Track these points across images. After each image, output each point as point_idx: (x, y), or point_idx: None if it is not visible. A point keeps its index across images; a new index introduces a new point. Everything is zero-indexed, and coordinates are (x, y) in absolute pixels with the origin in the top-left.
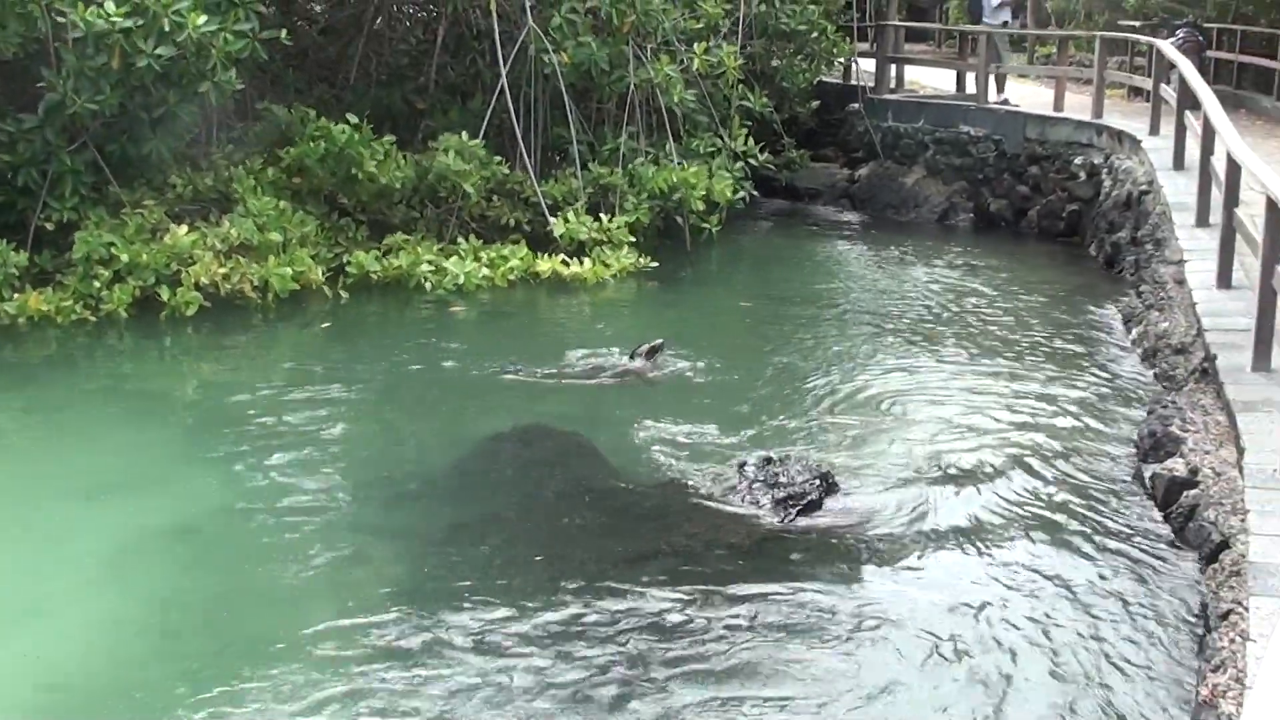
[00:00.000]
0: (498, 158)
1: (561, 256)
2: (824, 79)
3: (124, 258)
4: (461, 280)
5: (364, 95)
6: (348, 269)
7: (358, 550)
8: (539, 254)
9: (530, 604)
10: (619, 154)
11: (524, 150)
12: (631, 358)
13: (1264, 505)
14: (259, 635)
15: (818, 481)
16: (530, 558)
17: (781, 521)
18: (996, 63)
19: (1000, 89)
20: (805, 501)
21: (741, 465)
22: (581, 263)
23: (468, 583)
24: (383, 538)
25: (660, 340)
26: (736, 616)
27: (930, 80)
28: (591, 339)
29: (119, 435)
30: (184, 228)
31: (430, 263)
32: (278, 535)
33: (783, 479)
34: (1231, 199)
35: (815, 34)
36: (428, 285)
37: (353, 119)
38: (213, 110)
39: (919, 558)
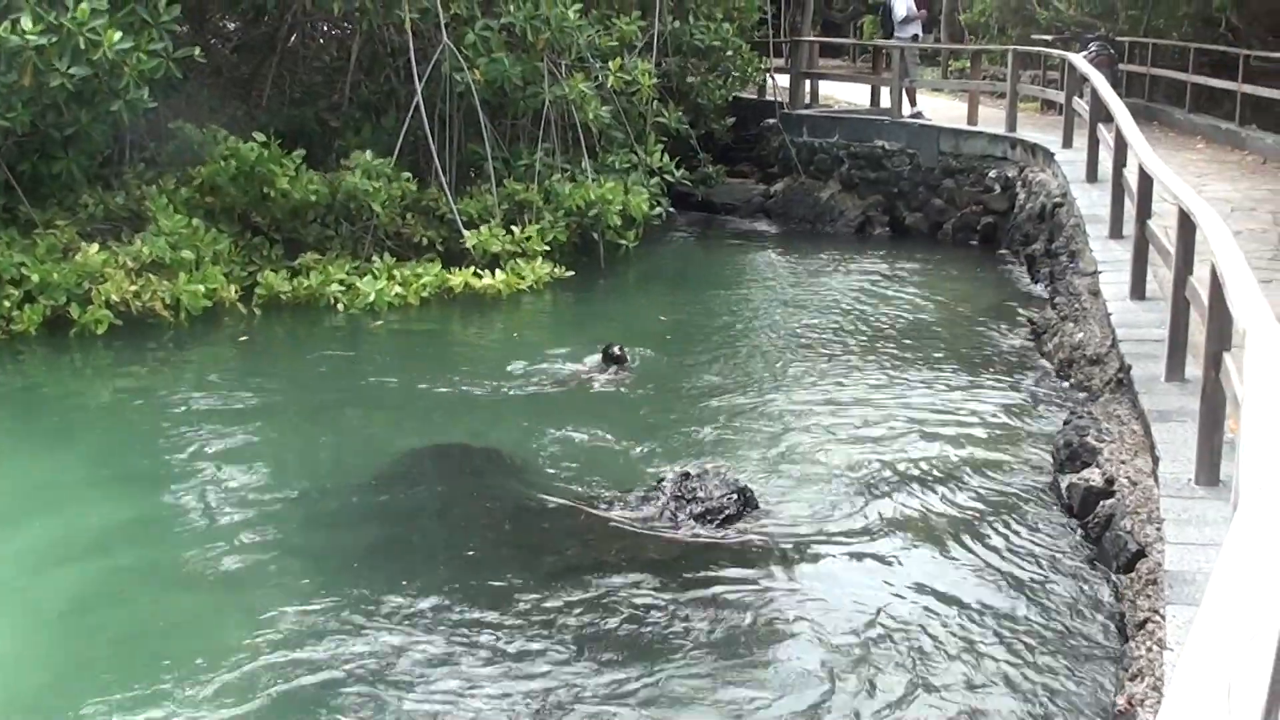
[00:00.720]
0: (407, 174)
1: (474, 269)
2: (740, 95)
3: (35, 277)
4: (373, 299)
5: (278, 113)
6: (257, 290)
7: (272, 570)
8: (454, 269)
9: (448, 625)
10: (535, 170)
11: (439, 167)
12: (605, 357)
13: (1179, 514)
14: (170, 659)
15: (735, 495)
16: (448, 578)
17: (699, 536)
18: (907, 77)
19: (912, 102)
20: (723, 516)
21: (660, 480)
22: (494, 274)
23: (383, 605)
24: (298, 557)
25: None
26: (653, 632)
27: (845, 95)
28: (505, 354)
29: (29, 455)
30: (95, 246)
31: (341, 282)
32: (190, 556)
33: (701, 494)
34: (1144, 211)
35: (730, 51)
36: (339, 306)
37: (260, 137)
38: (125, 129)
39: (837, 571)
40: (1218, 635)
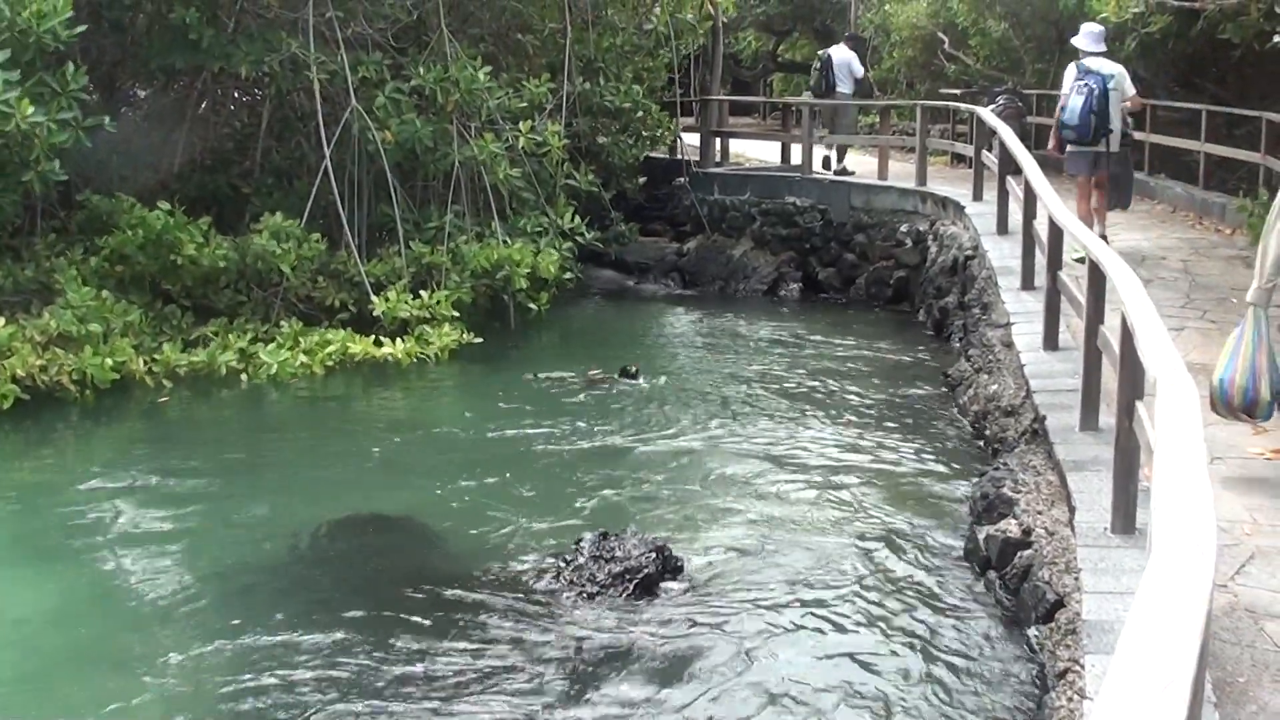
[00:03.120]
0: (315, 236)
1: (375, 337)
2: (651, 154)
3: None
4: (275, 371)
5: (190, 180)
6: (154, 365)
7: (185, 654)
8: (362, 335)
9: (366, 700)
10: (444, 232)
11: (348, 230)
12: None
13: (1096, 563)
14: None
15: (654, 554)
16: (364, 651)
17: (618, 597)
18: (840, 133)
19: (840, 158)
20: (641, 575)
21: (578, 542)
22: (395, 343)
23: (299, 688)
24: (212, 637)
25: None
26: (570, 698)
27: (756, 152)
28: (413, 422)
29: None
30: (2, 320)
31: (244, 351)
32: (100, 639)
33: (619, 553)
34: (1055, 262)
35: (640, 111)
36: (243, 379)
37: (165, 206)
38: (36, 199)
39: (754, 631)
40: (1131, 685)
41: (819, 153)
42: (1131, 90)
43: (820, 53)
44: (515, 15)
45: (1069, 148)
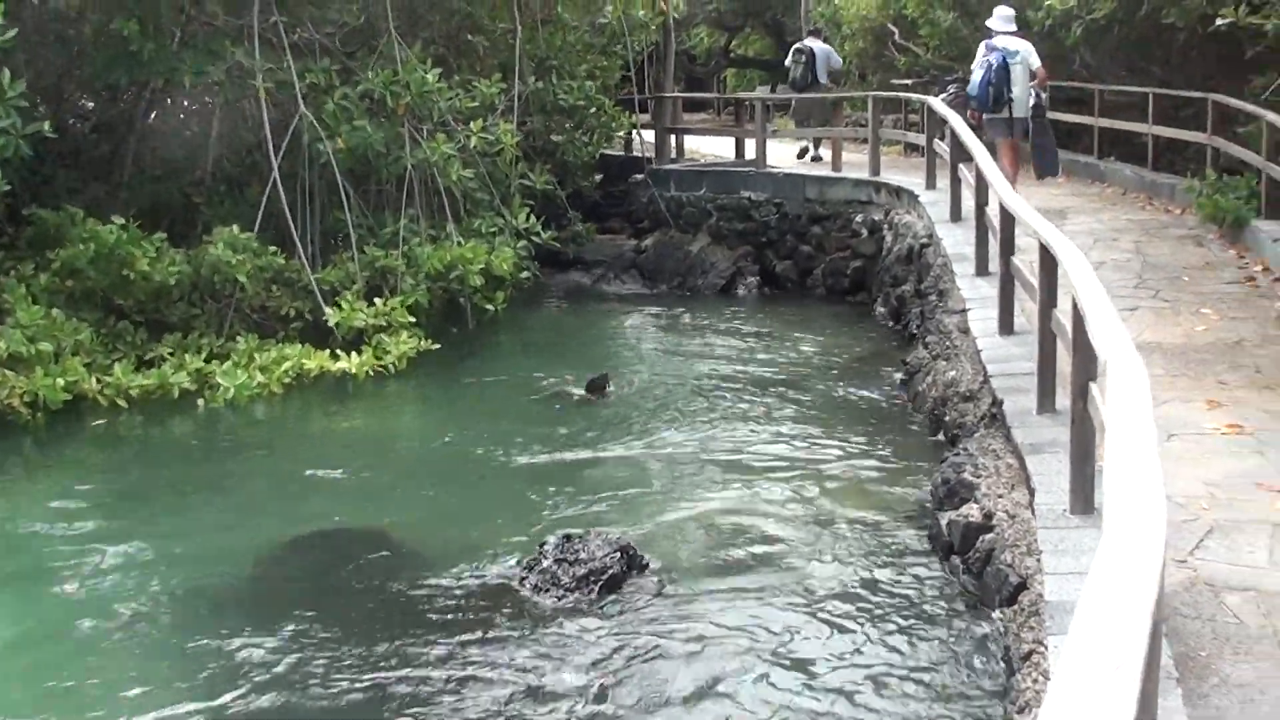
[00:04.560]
0: (272, 247)
1: (331, 350)
2: (606, 152)
3: None
4: (232, 394)
5: (140, 191)
6: (106, 387)
7: (149, 674)
8: (318, 344)
9: (333, 712)
10: (399, 237)
11: (298, 238)
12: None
13: (1056, 544)
14: None
15: (618, 554)
16: (331, 663)
17: (583, 598)
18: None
19: (816, 146)
20: (606, 576)
21: (542, 546)
22: (351, 355)
23: (264, 704)
24: (176, 656)
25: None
26: (536, 701)
27: (711, 148)
28: (374, 436)
29: None
30: None
31: (197, 371)
32: (60, 661)
33: (583, 555)
34: (1008, 248)
35: (593, 109)
36: (200, 403)
37: (119, 220)
38: None
39: (720, 627)
40: (1083, 667)
41: (798, 145)
42: (1037, 64)
43: (800, 45)
44: (465, 16)
45: (984, 116)
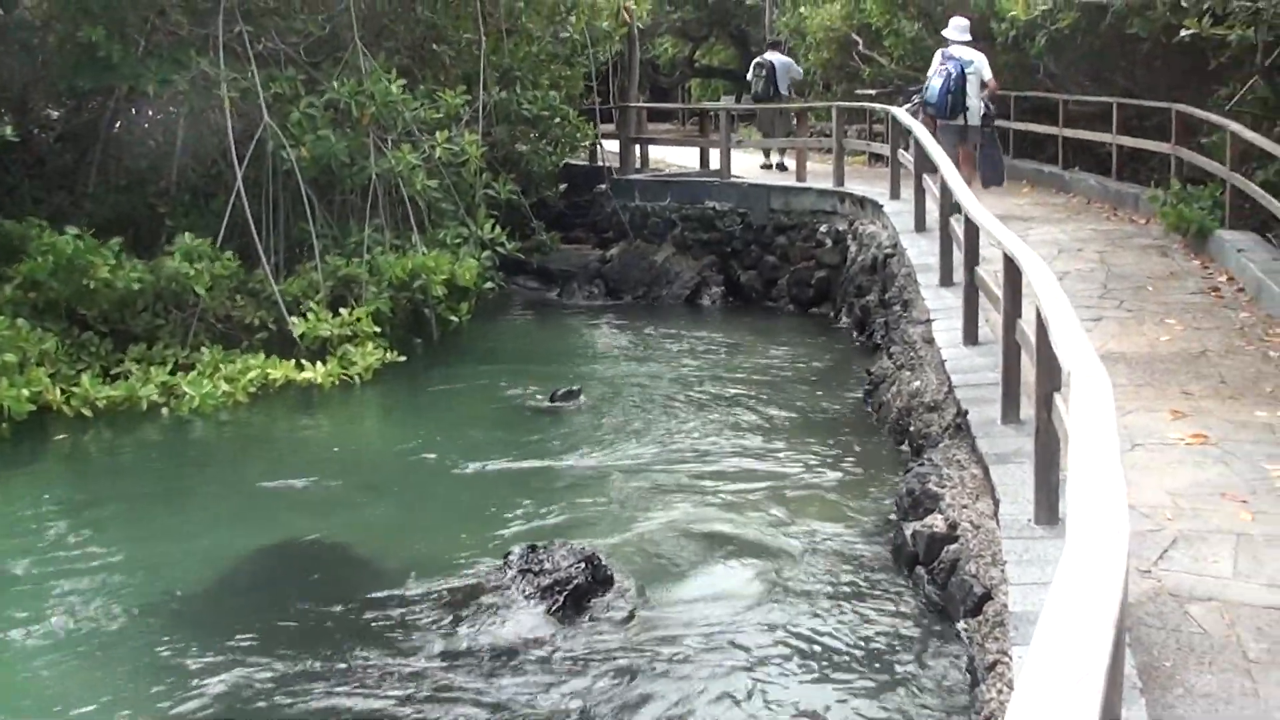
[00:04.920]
0: (228, 255)
1: (296, 360)
2: (571, 162)
3: None
4: (198, 404)
5: (104, 201)
6: (72, 398)
7: (113, 687)
8: (284, 354)
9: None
10: (364, 246)
11: (260, 247)
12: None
13: (1021, 554)
14: None
15: (583, 565)
16: (293, 675)
17: (549, 609)
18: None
19: (782, 153)
20: (571, 586)
21: (506, 556)
22: (316, 365)
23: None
24: (141, 669)
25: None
26: (502, 713)
27: (676, 158)
28: (342, 448)
29: None
30: None
31: (164, 384)
32: (19, 672)
33: (548, 565)
34: (972, 258)
35: (558, 119)
36: (164, 411)
37: (73, 230)
38: None
39: (684, 639)
40: (1045, 679)
41: (761, 155)
42: (989, 75)
43: (760, 59)
44: (430, 26)
45: (939, 122)
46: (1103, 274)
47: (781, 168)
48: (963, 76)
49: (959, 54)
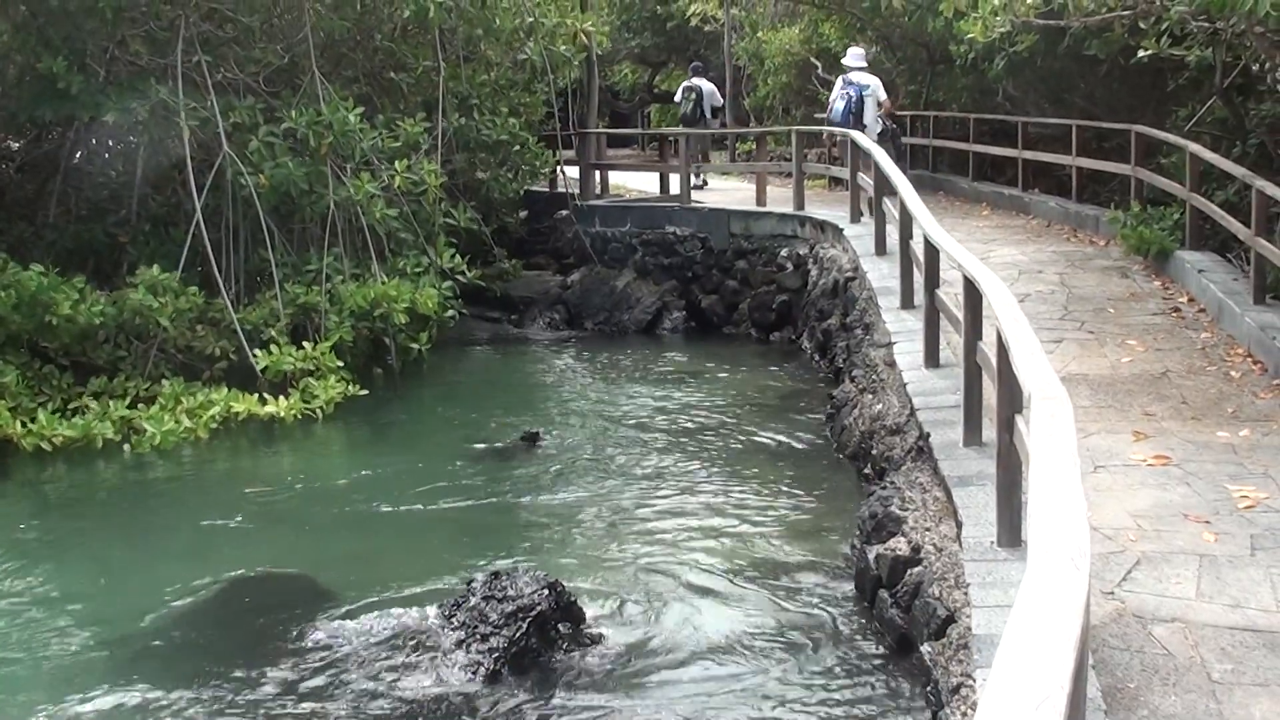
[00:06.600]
0: (193, 288)
1: (258, 394)
2: (531, 188)
3: None
4: (159, 440)
5: (65, 231)
6: (28, 436)
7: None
8: (245, 385)
9: None
10: (323, 275)
11: (220, 277)
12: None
13: (984, 577)
14: None
15: (546, 591)
16: (252, 708)
17: (512, 636)
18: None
19: (699, 175)
20: (535, 613)
21: (470, 583)
22: (279, 400)
23: None
24: (99, 704)
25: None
26: None
27: (636, 183)
28: (293, 486)
29: None
30: None
31: (122, 418)
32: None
33: (511, 592)
34: (933, 280)
35: (517, 145)
36: (126, 449)
37: (38, 267)
38: None
39: (650, 669)
40: (1005, 704)
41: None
42: (884, 97)
43: (688, 84)
44: (388, 55)
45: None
46: (1064, 296)
47: (698, 187)
48: (861, 99)
49: (857, 79)
